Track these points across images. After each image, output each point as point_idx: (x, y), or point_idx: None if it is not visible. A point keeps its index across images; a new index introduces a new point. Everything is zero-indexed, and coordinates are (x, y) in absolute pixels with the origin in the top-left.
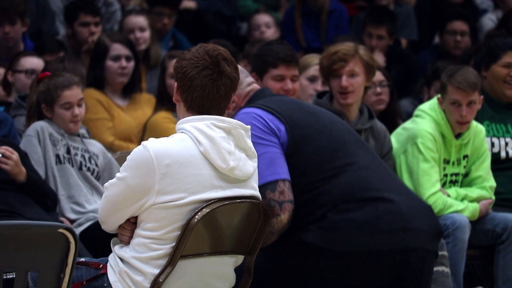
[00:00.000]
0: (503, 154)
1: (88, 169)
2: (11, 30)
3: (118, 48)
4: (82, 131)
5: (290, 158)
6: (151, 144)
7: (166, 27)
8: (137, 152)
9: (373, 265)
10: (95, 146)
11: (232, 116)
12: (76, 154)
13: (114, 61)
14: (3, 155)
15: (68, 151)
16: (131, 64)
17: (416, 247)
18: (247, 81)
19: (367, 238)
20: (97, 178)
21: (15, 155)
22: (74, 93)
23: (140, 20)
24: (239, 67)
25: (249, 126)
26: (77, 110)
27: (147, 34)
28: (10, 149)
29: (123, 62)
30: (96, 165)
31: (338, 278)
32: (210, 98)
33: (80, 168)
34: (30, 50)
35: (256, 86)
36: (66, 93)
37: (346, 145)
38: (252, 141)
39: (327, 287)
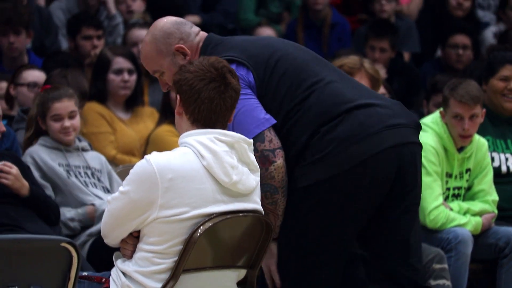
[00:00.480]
0: (504, 169)
1: (94, 185)
2: (16, 40)
3: (120, 62)
4: (83, 144)
5: (263, 99)
6: (154, 158)
7: None
8: (140, 166)
9: (372, 174)
10: (95, 161)
11: None
12: (79, 174)
13: (116, 74)
14: (1, 171)
15: (68, 172)
16: (133, 77)
17: (405, 141)
18: (194, 32)
19: (357, 148)
20: (105, 191)
21: (14, 169)
22: (63, 105)
23: (143, 33)
24: (180, 19)
25: (251, 141)
26: (67, 123)
27: None
28: (8, 163)
29: (125, 76)
30: (99, 180)
31: (344, 200)
32: (217, 111)
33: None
34: (33, 64)
35: (203, 33)
36: (55, 105)
37: (307, 65)
38: None
39: (338, 212)
